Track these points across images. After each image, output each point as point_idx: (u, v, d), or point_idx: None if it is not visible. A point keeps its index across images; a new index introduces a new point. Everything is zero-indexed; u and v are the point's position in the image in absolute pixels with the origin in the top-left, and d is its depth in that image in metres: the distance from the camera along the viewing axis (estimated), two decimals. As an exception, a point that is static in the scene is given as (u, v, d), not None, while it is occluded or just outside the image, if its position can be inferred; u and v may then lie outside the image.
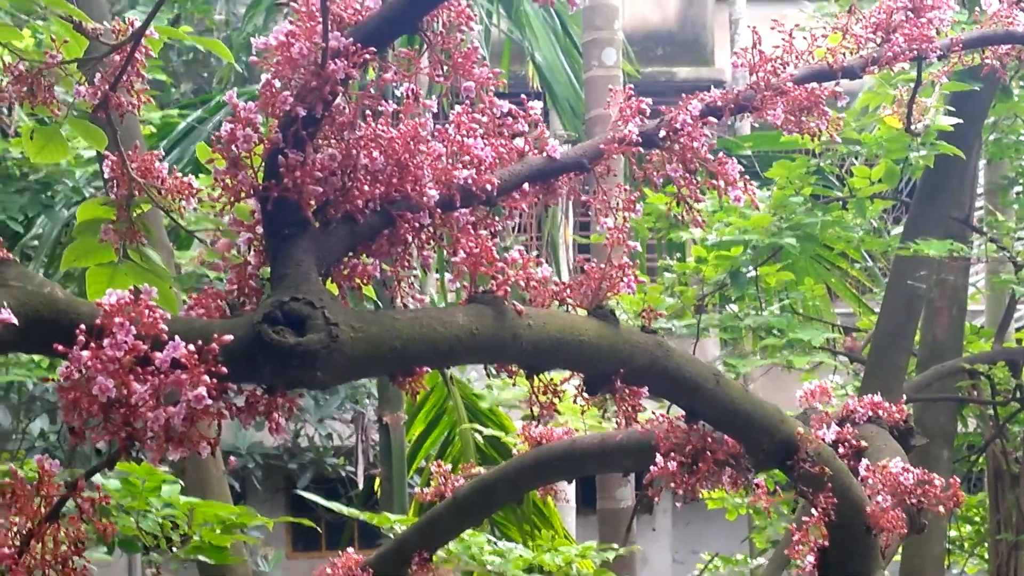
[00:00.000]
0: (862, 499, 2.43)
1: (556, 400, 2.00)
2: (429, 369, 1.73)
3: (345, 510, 5.52)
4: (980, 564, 9.33)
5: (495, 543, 5.53)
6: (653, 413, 2.96)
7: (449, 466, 4.75)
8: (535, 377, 1.97)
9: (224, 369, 1.54)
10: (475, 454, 7.91)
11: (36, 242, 7.49)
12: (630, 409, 2.01)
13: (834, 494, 2.32)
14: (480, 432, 7.26)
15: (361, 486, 11.34)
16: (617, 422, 2.11)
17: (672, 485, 3.84)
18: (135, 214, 2.06)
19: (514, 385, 7.38)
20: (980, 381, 7.77)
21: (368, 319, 1.71)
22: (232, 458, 7.86)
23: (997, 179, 8.70)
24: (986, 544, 8.56)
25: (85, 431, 1.59)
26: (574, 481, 10.97)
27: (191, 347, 1.54)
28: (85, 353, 1.49)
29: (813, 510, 2.43)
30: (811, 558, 2.43)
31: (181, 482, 4.79)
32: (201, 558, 4.78)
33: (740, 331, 7.35)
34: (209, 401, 1.53)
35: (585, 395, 2.03)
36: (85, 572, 1.64)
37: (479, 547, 5.40)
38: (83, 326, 1.53)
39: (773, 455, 2.35)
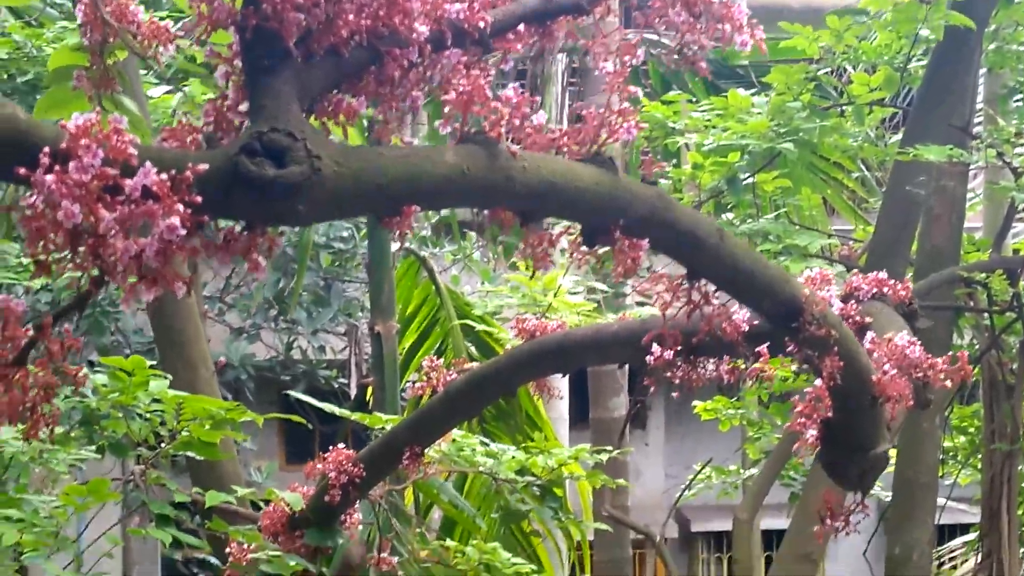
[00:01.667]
0: (868, 367, 2.35)
1: (550, 250, 1.91)
2: (418, 209, 1.63)
3: (337, 410, 5.45)
4: (974, 475, 9.31)
5: (488, 444, 5.46)
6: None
7: (441, 360, 4.68)
8: (528, 226, 1.87)
9: (198, 199, 1.45)
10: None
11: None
12: (630, 263, 1.92)
13: (840, 359, 2.23)
14: (473, 330, 7.19)
15: (353, 398, 11.29)
16: (614, 275, 2.01)
17: (668, 375, 3.77)
18: (110, 61, 1.96)
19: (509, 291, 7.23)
20: (977, 290, 7.70)
21: (352, 154, 1.61)
22: (222, 359, 7.80)
23: (997, 88, 8.58)
24: (980, 455, 8.52)
25: (51, 265, 1.50)
26: (567, 394, 10.96)
27: (163, 176, 1.45)
28: (49, 177, 1.40)
29: (817, 379, 2.34)
30: (814, 431, 2.35)
31: (169, 376, 4.72)
32: (190, 454, 4.71)
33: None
34: (183, 232, 1.44)
35: (582, 248, 1.93)
36: (54, 419, 1.55)
37: (471, 448, 5.33)
38: (47, 149, 1.43)
39: (777, 316, 2.26)
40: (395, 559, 5.09)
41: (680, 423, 14.19)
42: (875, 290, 2.76)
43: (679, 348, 3.64)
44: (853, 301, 2.68)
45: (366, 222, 10.25)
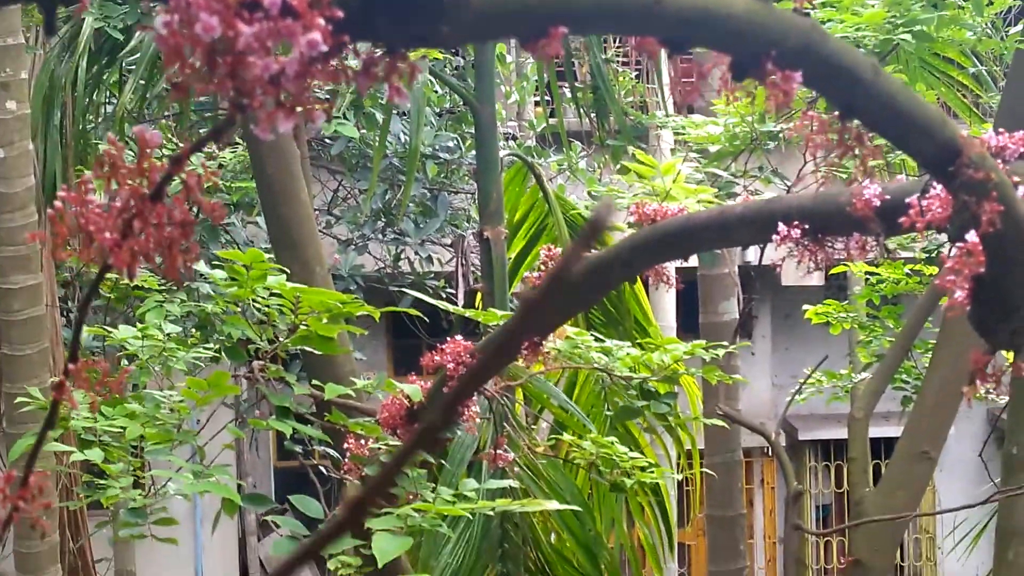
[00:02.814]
0: None
1: (699, 83, 1.83)
2: (566, 30, 1.56)
3: (451, 307, 5.43)
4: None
5: (602, 341, 5.41)
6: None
7: (559, 249, 4.63)
8: (676, 57, 1.80)
9: (340, 13, 1.39)
10: (577, 267, 7.83)
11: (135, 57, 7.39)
12: (782, 96, 1.83)
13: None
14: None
15: (462, 307, 11.29)
16: (764, 109, 1.92)
17: (796, 254, 3.68)
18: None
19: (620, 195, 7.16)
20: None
21: (497, -28, 1.55)
22: (336, 255, 7.87)
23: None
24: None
25: (189, 88, 1.45)
26: (674, 298, 10.86)
27: (303, -8, 1.40)
28: (188, -10, 1.35)
29: (969, 235, 2.24)
30: (964, 288, 2.25)
31: (287, 270, 4.72)
32: (307, 348, 4.72)
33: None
34: (323, 48, 1.38)
35: (732, 81, 1.85)
36: (191, 255, 1.51)
37: (586, 344, 5.28)
38: (185, -38, 1.38)
39: (934, 159, 2.16)
40: (511, 455, 5.08)
41: (787, 332, 14.07)
42: (1023, 149, 2.64)
43: (806, 226, 3.56)
44: (1000, 160, 2.57)
45: (472, 127, 10.20)
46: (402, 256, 11.33)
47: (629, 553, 7.03)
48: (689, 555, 14.38)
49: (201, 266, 4.86)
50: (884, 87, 2.01)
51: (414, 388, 4.48)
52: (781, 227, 3.54)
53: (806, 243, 3.61)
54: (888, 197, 3.35)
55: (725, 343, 5.66)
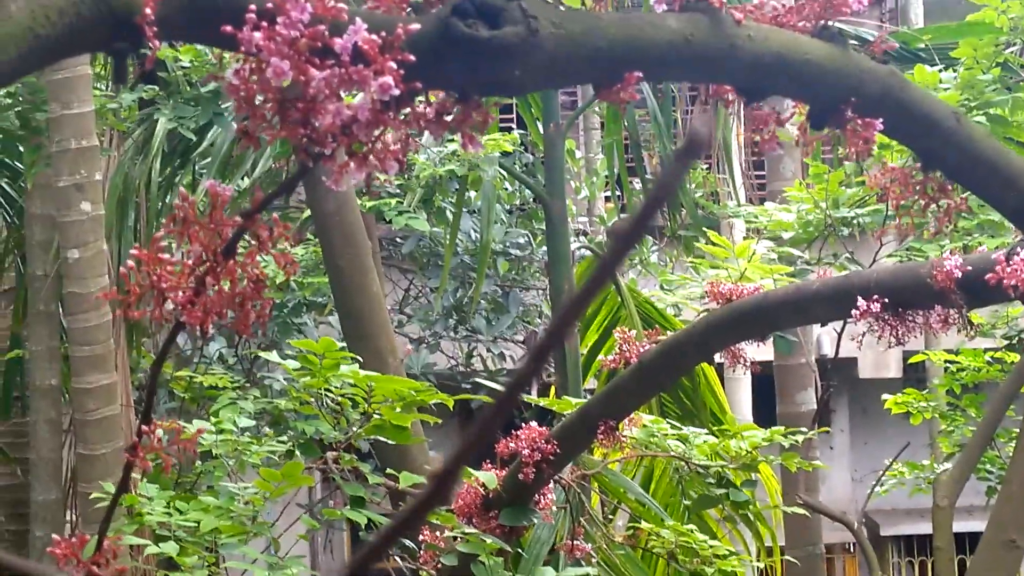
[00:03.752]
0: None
1: (778, 129, 1.78)
2: (641, 75, 1.52)
3: (527, 396, 5.38)
4: None
5: (679, 428, 5.33)
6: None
7: (633, 332, 4.57)
8: (751, 105, 1.75)
9: (411, 57, 1.36)
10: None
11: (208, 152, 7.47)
12: (862, 143, 1.78)
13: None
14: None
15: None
16: (847, 156, 1.87)
17: (875, 329, 3.61)
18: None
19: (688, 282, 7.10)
20: None
21: (570, 16, 1.52)
22: (408, 346, 7.81)
23: None
24: None
25: (259, 138, 1.43)
26: (749, 392, 10.74)
27: (373, 36, 1.37)
28: (257, 35, 1.33)
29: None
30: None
31: (360, 358, 4.69)
32: (381, 439, 4.68)
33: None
34: (395, 92, 1.36)
35: (809, 131, 1.80)
36: (263, 313, 1.48)
37: (662, 432, 5.21)
38: (253, 7, 1.36)
39: (1017, 210, 2.10)
40: (588, 545, 5.00)
41: (865, 425, 13.87)
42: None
43: (885, 300, 3.49)
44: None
45: (543, 223, 10.21)
46: (474, 353, 11.30)
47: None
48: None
49: (274, 356, 4.85)
50: (966, 134, 1.96)
51: (489, 476, 4.42)
52: (860, 302, 3.48)
53: (886, 317, 3.54)
54: (970, 268, 3.28)
55: (804, 429, 5.56)
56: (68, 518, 7.97)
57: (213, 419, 5.01)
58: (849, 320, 3.49)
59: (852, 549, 12.89)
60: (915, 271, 3.44)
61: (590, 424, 4.27)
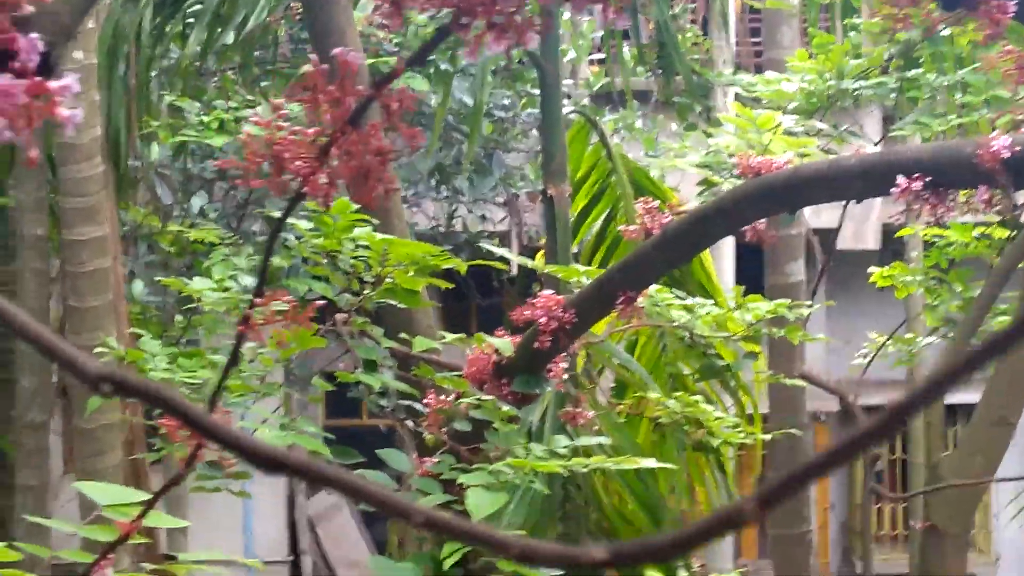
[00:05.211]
0: None
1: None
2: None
3: (522, 259, 5.35)
4: None
5: (683, 299, 5.32)
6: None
7: (656, 202, 4.53)
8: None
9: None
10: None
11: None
12: (996, 11, 1.73)
13: None
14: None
15: (516, 270, 11.22)
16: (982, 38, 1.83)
17: (916, 207, 3.57)
18: None
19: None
20: None
21: None
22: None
23: None
24: None
25: (401, 6, 1.37)
26: (733, 259, 10.74)
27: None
28: None
29: None
30: None
31: (375, 220, 4.63)
32: (388, 302, 4.63)
33: (931, 91, 6.95)
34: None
35: (942, 11, 1.76)
36: (391, 184, 1.43)
37: (666, 302, 5.19)
38: None
39: None
40: (591, 412, 5.00)
41: (840, 297, 13.93)
42: None
43: (928, 179, 3.45)
44: None
45: (527, 85, 10.10)
46: (456, 214, 11.25)
47: (691, 515, 6.96)
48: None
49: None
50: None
51: (504, 342, 4.41)
52: (901, 180, 3.44)
53: (926, 196, 3.50)
54: (1018, 148, 3.24)
55: (806, 303, 5.56)
56: (54, 367, 7.94)
57: (211, 277, 4.95)
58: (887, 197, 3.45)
59: (823, 419, 13.04)
60: (958, 149, 3.40)
61: (608, 294, 4.25)
